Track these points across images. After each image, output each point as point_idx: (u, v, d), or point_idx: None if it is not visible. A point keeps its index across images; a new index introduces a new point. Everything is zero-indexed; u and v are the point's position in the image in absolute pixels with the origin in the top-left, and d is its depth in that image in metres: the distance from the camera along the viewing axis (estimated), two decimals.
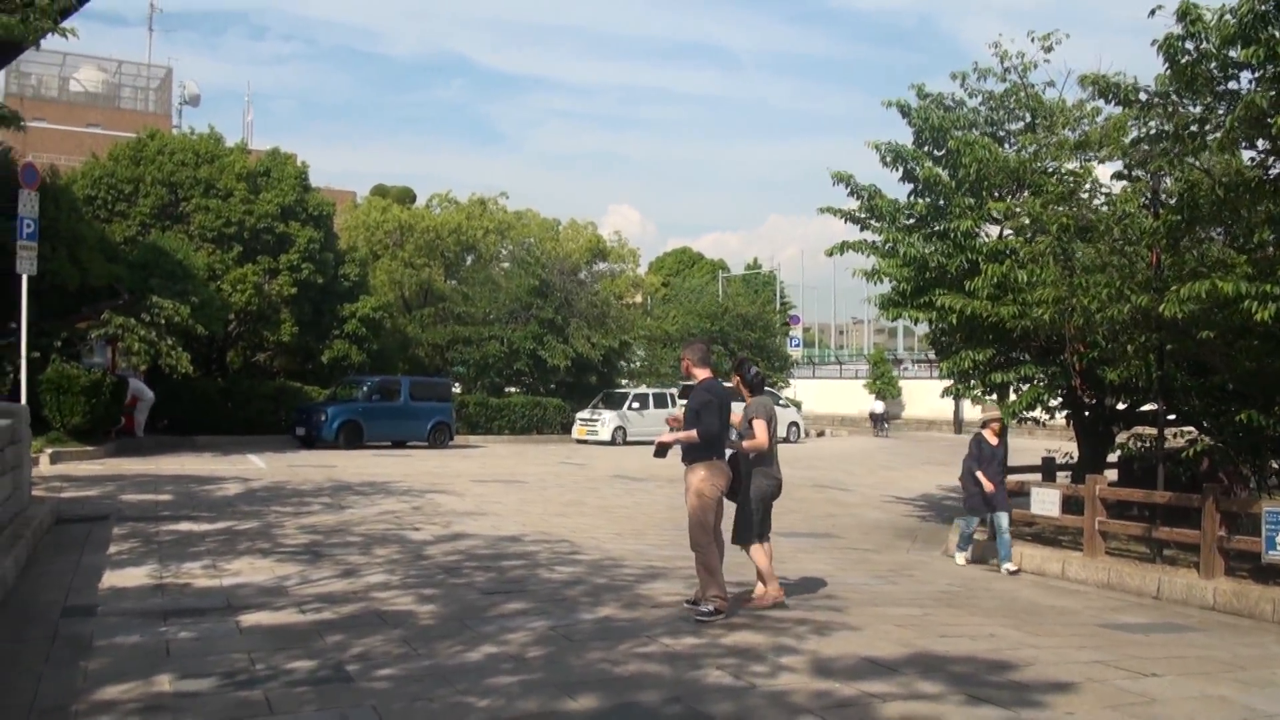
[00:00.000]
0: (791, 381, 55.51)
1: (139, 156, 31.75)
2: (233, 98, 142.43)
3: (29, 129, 23.58)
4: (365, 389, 31.44)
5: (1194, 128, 12.05)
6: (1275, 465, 14.44)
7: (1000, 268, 14.66)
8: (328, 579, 10.25)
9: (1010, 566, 13.38)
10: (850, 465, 31.19)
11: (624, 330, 43.19)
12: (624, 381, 44.98)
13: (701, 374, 9.43)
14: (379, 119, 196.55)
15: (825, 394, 61.75)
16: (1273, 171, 11.93)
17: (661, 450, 9.40)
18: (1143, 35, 11.79)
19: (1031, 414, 16.41)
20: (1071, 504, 13.95)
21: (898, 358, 64.39)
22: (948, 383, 18.01)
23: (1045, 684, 7.20)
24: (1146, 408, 15.94)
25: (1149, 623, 10.36)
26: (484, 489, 20.22)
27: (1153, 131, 13.10)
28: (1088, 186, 15.72)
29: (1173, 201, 13.34)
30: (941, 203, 16.61)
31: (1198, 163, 12.62)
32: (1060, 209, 14.61)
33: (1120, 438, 17.75)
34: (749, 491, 9.73)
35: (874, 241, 17.13)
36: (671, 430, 9.46)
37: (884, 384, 57.14)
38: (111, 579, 9.86)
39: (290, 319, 32.50)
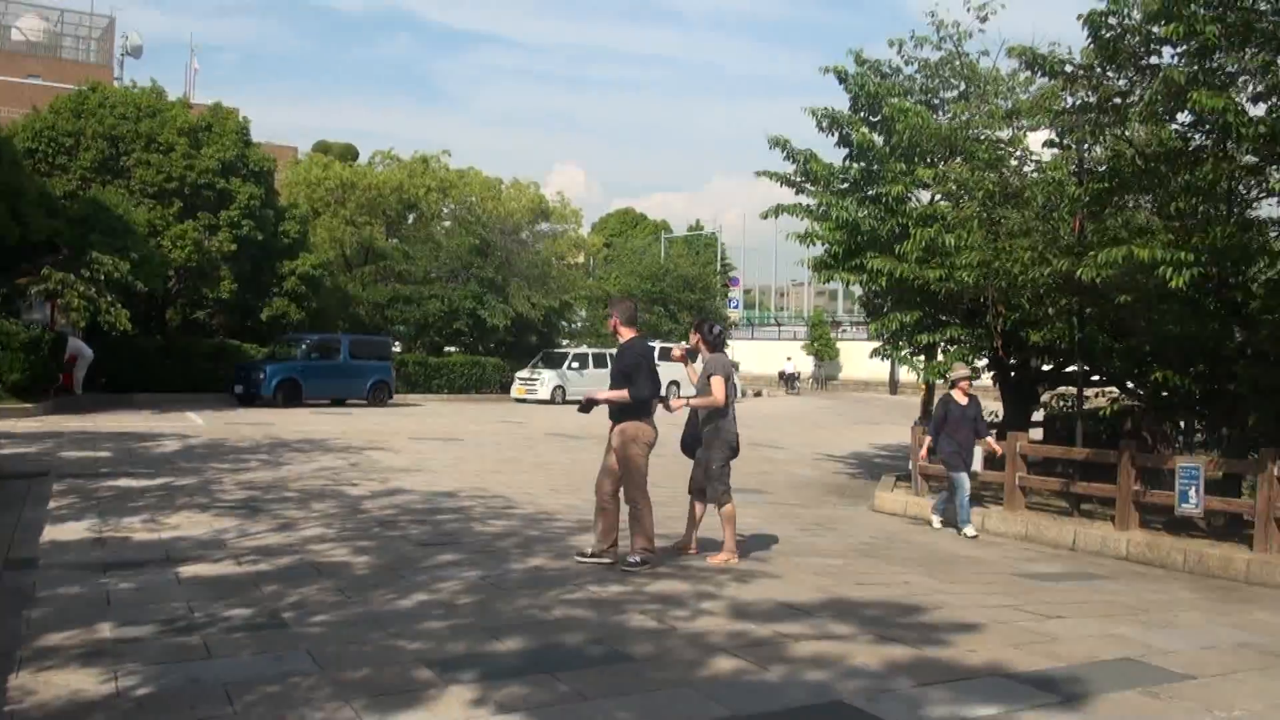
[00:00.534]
0: (730, 342, 55.93)
1: (80, 109, 31.39)
2: (176, 49, 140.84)
3: None
4: (304, 347, 31.48)
5: (1117, 100, 12.42)
6: (1197, 425, 15.00)
7: (929, 232, 15.02)
8: (265, 532, 10.42)
9: (970, 531, 13.04)
10: (785, 424, 31.67)
11: (565, 290, 43.41)
12: (564, 341, 45.21)
13: (628, 333, 9.49)
14: (323, 74, 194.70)
15: (763, 355, 62.31)
16: (1193, 144, 12.32)
17: (587, 406, 9.43)
18: (1082, 4, 12.09)
19: None
20: (995, 461, 14.38)
21: (836, 320, 65.04)
22: (879, 343, 18.42)
23: (952, 625, 7.57)
24: (1070, 369, 16.40)
25: (1061, 571, 10.79)
26: (422, 446, 20.42)
27: (1079, 103, 13.46)
28: (1018, 154, 16.12)
29: (1102, 169, 13.74)
30: (875, 168, 16.96)
31: (1124, 132, 13.02)
32: (988, 175, 14.99)
33: (1044, 397, 18.28)
34: (717, 449, 9.87)
35: (808, 205, 17.46)
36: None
37: (822, 345, 57.85)
38: (52, 533, 9.96)
39: (230, 276, 32.36)
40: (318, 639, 6.57)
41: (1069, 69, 13.80)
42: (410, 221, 47.46)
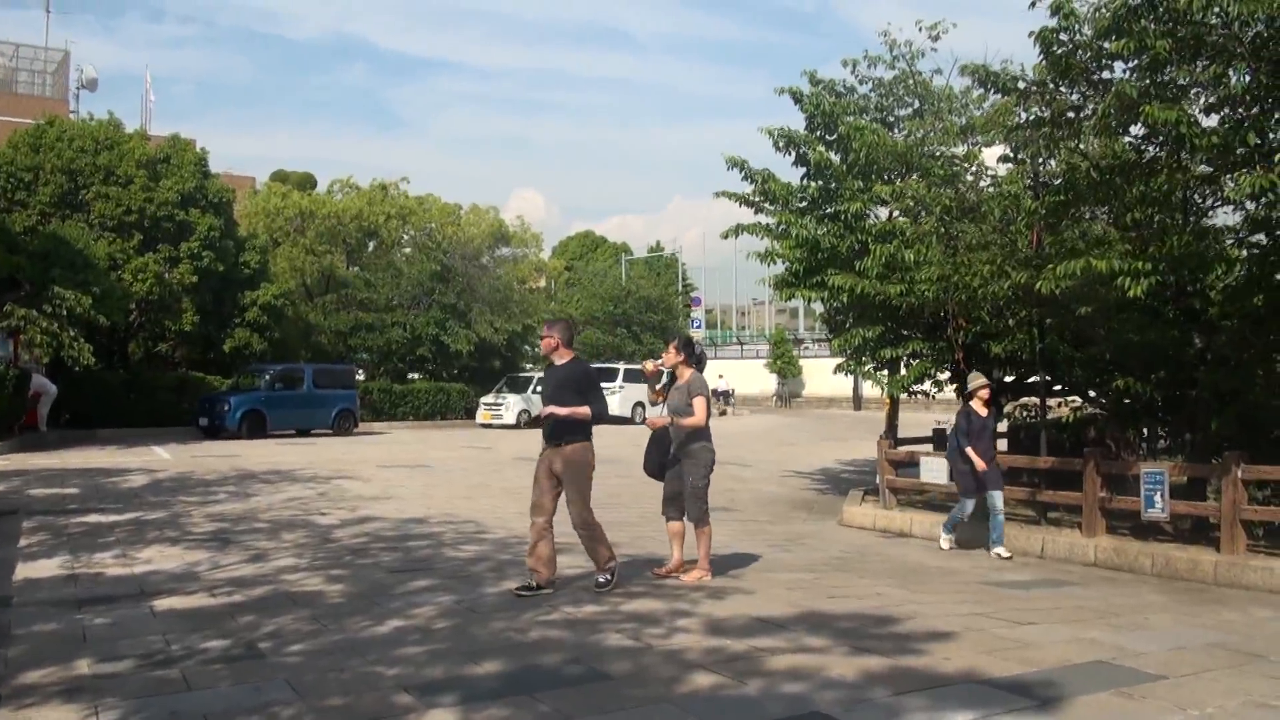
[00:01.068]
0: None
1: (38, 144, 31.22)
2: (131, 81, 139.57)
3: None
4: (268, 378, 31.34)
5: (1071, 114, 12.60)
6: (1161, 431, 15.18)
7: (888, 248, 15.15)
8: (237, 564, 10.41)
9: (1002, 551, 12.25)
10: (751, 442, 31.74)
11: (527, 314, 43.39)
12: (527, 365, 45.21)
13: (567, 354, 9.30)
14: (280, 103, 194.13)
15: (727, 374, 62.43)
16: (1147, 155, 12.51)
17: (549, 420, 9.07)
18: (1037, 17, 12.24)
19: (921, 388, 16.98)
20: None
21: (798, 337, 65.31)
22: (842, 359, 18.54)
23: (926, 634, 7.66)
24: (1033, 379, 16.55)
25: (1031, 579, 10.91)
26: (389, 474, 20.38)
27: (1033, 118, 13.63)
28: (974, 169, 16.31)
29: (1057, 183, 13.91)
30: (833, 186, 17.09)
31: (1078, 146, 13.19)
32: (945, 191, 15.17)
33: (1008, 408, 18.43)
34: (701, 467, 9.87)
35: (768, 224, 17.56)
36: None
37: (784, 363, 58.04)
38: (25, 571, 9.91)
39: (191, 308, 32.23)
40: (296, 668, 6.58)
41: (1022, 85, 14.00)
42: (371, 249, 47.35)
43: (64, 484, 17.47)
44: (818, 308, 21.08)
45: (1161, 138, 11.53)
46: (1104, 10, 11.51)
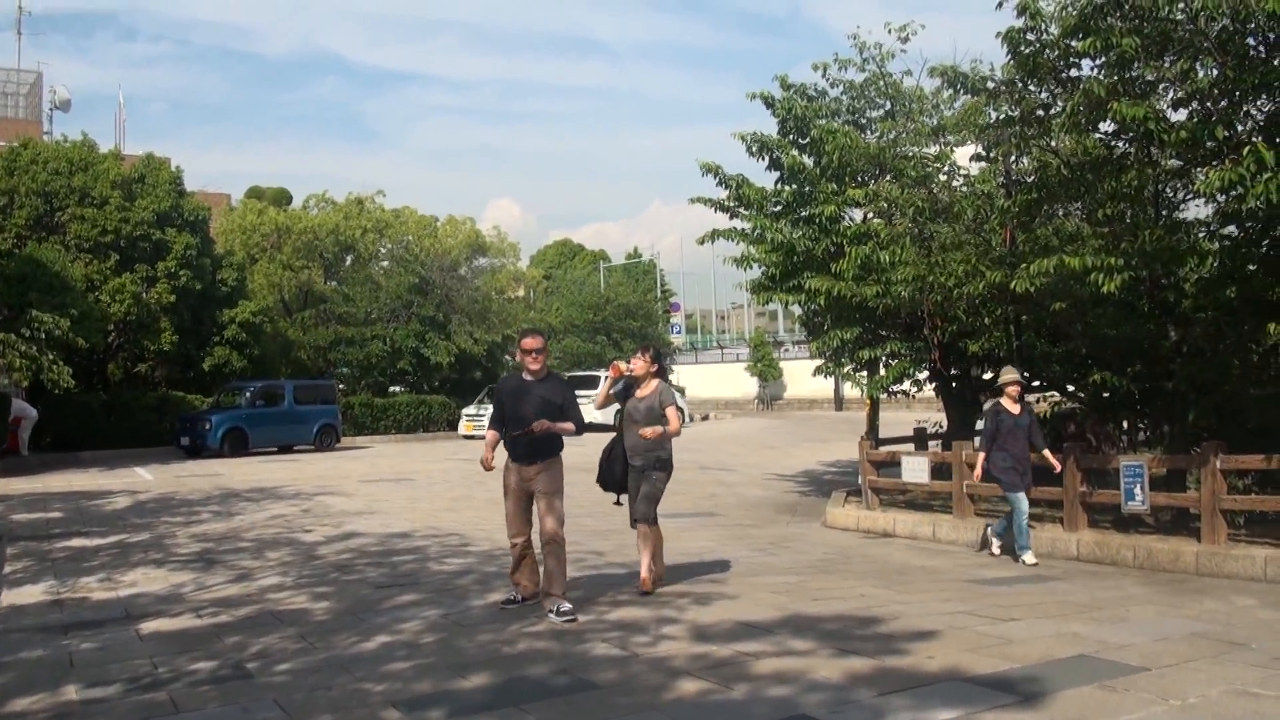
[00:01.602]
0: (675, 368, 56.12)
1: (12, 167, 31.03)
2: (105, 101, 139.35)
3: None
4: (248, 395, 31.22)
5: (1040, 113, 12.71)
6: (1140, 424, 15.27)
7: (864, 249, 15.21)
8: (222, 584, 10.40)
9: (1029, 558, 11.61)
10: (734, 446, 31.77)
11: (507, 324, 43.30)
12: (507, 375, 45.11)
13: (544, 368, 9.02)
14: (254, 119, 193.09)
15: (708, 378, 62.50)
16: (1117, 151, 12.61)
17: (532, 434, 8.65)
18: (1005, 17, 12.31)
19: (900, 387, 17.06)
20: (941, 470, 14.58)
21: (778, 340, 65.37)
22: (822, 361, 18.61)
23: (910, 633, 7.72)
24: None
25: (1014, 575, 10.97)
26: (373, 489, 20.36)
27: (1003, 117, 13.72)
28: (946, 169, 16.42)
29: (1030, 181, 14.01)
30: (807, 189, 17.14)
31: (1050, 143, 13.30)
32: (918, 192, 15.26)
33: (986, 405, 18.52)
34: (666, 475, 9.65)
35: (744, 229, 17.61)
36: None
37: (765, 366, 58.07)
38: (10, 597, 9.85)
39: (170, 327, 32.10)
40: (284, 687, 6.59)
41: (991, 85, 14.12)
42: (348, 263, 47.20)
43: (47, 508, 17.41)
44: (796, 310, 21.15)
45: (1131, 134, 11.63)
46: (1070, 9, 11.64)
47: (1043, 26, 12.06)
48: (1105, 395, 13.58)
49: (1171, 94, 11.96)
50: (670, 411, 9.58)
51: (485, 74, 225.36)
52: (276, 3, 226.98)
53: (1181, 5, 10.65)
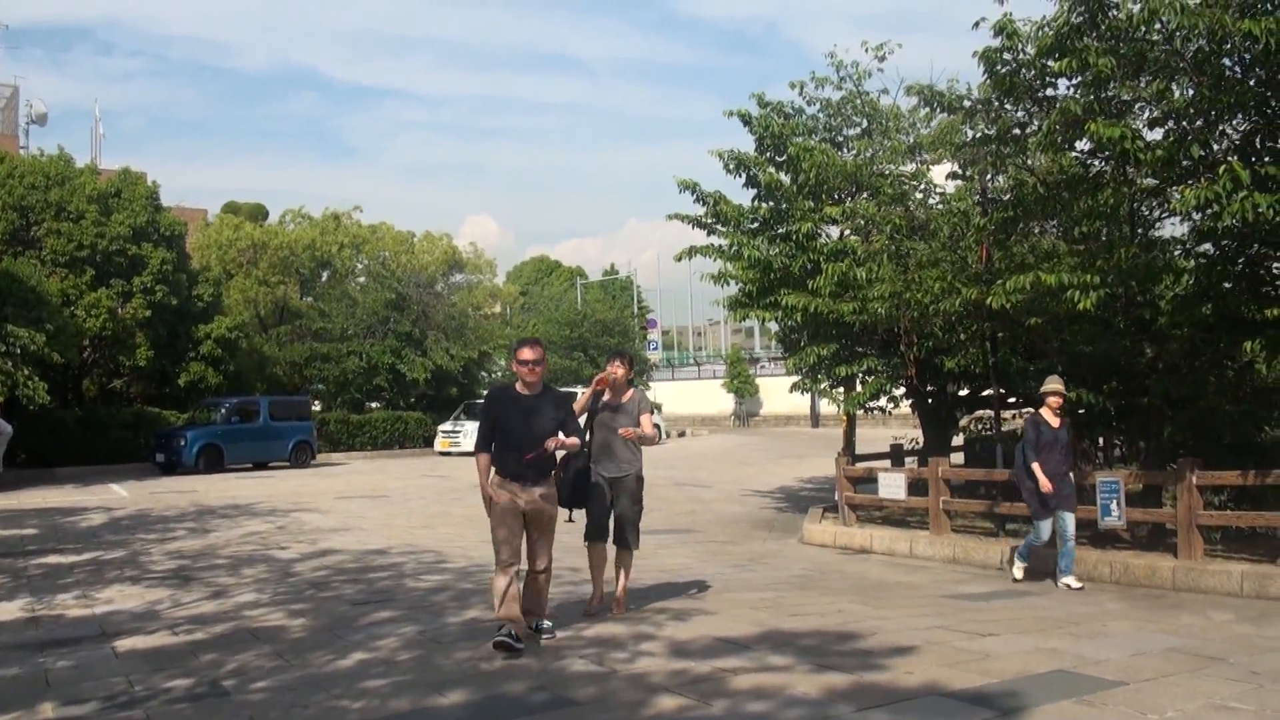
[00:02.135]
0: (652, 384, 56.14)
1: None
2: (81, 115, 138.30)
3: None
4: (224, 411, 31.11)
5: (1017, 131, 12.79)
6: (1116, 440, 15.34)
7: (840, 266, 15.24)
8: (198, 601, 10.34)
9: (1073, 582, 11.02)
10: (710, 463, 31.80)
11: (483, 341, 43.27)
12: (485, 392, 45.05)
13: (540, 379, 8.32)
14: (230, 135, 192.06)
15: (685, 395, 62.57)
16: (1093, 170, 12.69)
17: (546, 453, 7.96)
18: (982, 36, 12.35)
19: (877, 404, 17.09)
20: (918, 486, 14.59)
21: (754, 356, 65.48)
22: (798, 378, 18.63)
23: (888, 649, 7.71)
24: (986, 392, 16.70)
25: (991, 591, 10.99)
26: (349, 505, 20.28)
27: (980, 135, 13.79)
28: (923, 187, 16.50)
29: (1005, 199, 14.08)
30: (784, 206, 17.18)
31: (1027, 161, 13.38)
32: (895, 209, 15.33)
33: (963, 422, 18.60)
34: (640, 490, 9.35)
35: (720, 245, 17.63)
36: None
37: (741, 382, 58.20)
38: None
39: (145, 343, 31.97)
40: (261, 705, 6.55)
41: (968, 104, 14.20)
42: (324, 279, 47.10)
43: (22, 525, 17.30)
44: (773, 327, 21.19)
45: (1107, 153, 11.70)
46: (1047, 29, 11.70)
47: (1019, 46, 12.14)
48: (1081, 411, 13.62)
49: (1147, 113, 12.06)
50: (645, 419, 9.26)
51: (462, 90, 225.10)
52: (254, 19, 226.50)
53: (1158, 26, 10.72)
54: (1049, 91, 12.42)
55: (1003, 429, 15.77)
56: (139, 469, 29.65)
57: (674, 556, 13.63)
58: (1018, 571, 11.63)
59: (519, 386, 8.21)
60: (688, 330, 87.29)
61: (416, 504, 20.60)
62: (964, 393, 17.88)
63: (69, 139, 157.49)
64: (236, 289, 42.01)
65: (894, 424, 28.36)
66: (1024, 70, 12.15)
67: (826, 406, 46.11)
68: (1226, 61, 11.00)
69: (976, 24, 12.23)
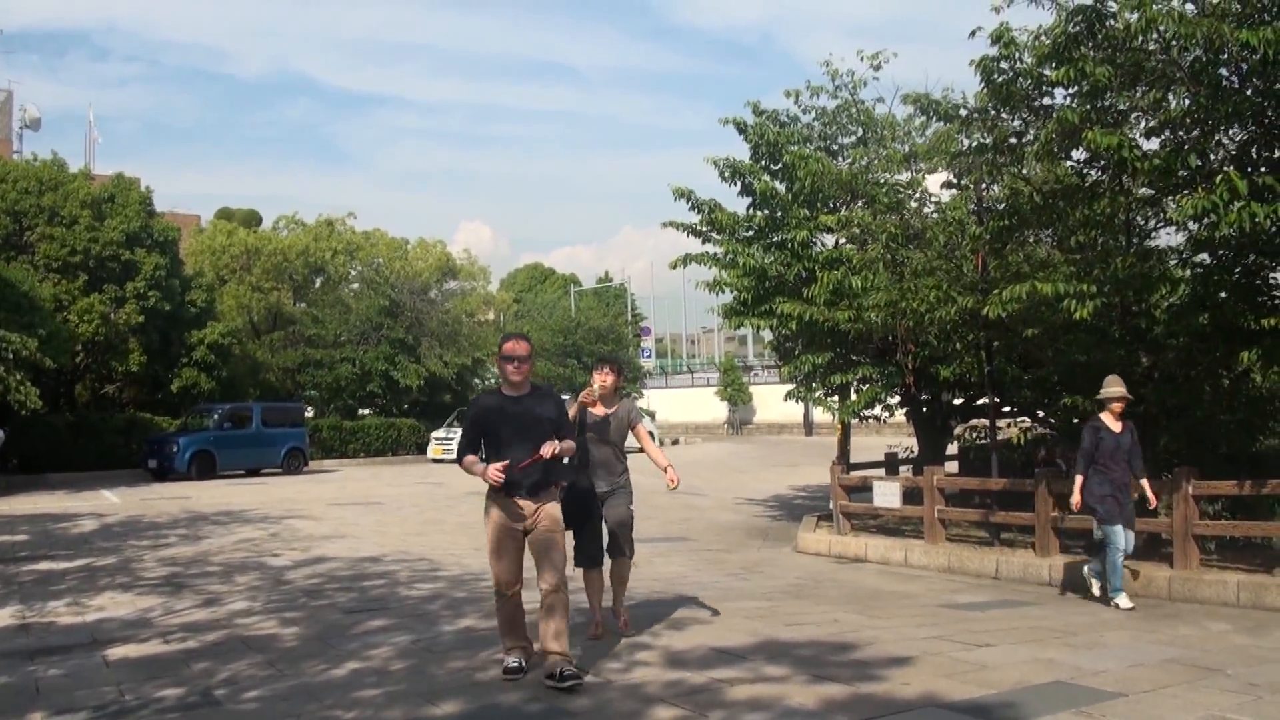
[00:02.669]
0: (645, 392, 56.12)
1: None
2: (75, 120, 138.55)
3: None
4: (216, 417, 31.07)
5: (1013, 140, 12.76)
6: None
7: (835, 275, 15.21)
8: (190, 609, 10.29)
9: (1123, 602, 10.27)
10: (704, 470, 31.73)
11: (476, 348, 43.22)
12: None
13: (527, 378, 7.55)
14: (224, 141, 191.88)
15: (678, 403, 62.49)
16: (1089, 179, 12.67)
17: (542, 460, 7.15)
18: (978, 45, 12.27)
19: (872, 412, 17.05)
20: (913, 495, 14.57)
21: (748, 364, 65.43)
22: (793, 386, 18.58)
23: (884, 659, 7.68)
24: (982, 401, 16.67)
25: (987, 600, 10.97)
26: (342, 512, 20.22)
27: (976, 144, 13.76)
28: (918, 196, 16.46)
29: (1001, 208, 14.05)
30: (779, 214, 17.13)
31: (1023, 170, 13.35)
32: (890, 218, 15.30)
33: (958, 430, 18.57)
34: (630, 498, 8.82)
35: (715, 253, 17.59)
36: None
37: (735, 390, 58.15)
38: None
39: (138, 348, 31.97)
40: (252, 715, 6.51)
41: (963, 113, 14.17)
42: (318, 285, 47.09)
43: (13, 531, 17.23)
44: (767, 335, 21.13)
45: (1103, 162, 11.69)
46: (1044, 38, 11.68)
47: (1016, 55, 12.11)
48: (1076, 421, 13.59)
49: (1144, 123, 12.06)
50: (639, 429, 8.92)
51: (456, 97, 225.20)
52: (249, 25, 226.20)
53: (1155, 36, 10.70)
54: (1046, 101, 12.40)
55: (998, 438, 15.73)
56: (131, 475, 29.61)
57: (669, 565, 13.59)
58: (1094, 588, 10.86)
59: (505, 389, 7.48)
60: (681, 338, 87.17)
61: (410, 511, 20.55)
62: (959, 401, 17.84)
63: (63, 144, 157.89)
64: (230, 295, 41.99)
65: (888, 433, 28.38)
66: (1021, 79, 12.13)
67: (820, 415, 46.15)
68: (1224, 71, 10.99)
69: (973, 33, 12.21)
